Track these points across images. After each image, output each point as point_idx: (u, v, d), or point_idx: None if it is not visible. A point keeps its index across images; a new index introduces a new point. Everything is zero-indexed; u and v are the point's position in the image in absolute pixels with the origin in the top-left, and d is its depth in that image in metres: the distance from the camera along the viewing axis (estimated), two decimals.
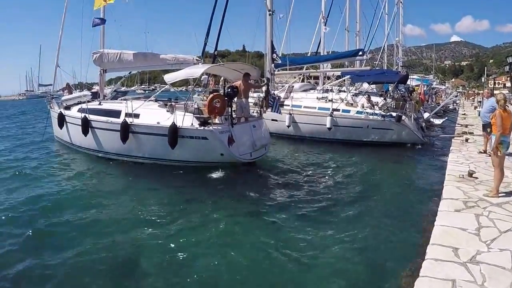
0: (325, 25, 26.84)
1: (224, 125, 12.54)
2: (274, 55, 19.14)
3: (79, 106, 17.18)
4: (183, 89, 28.57)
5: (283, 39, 26.72)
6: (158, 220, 8.53)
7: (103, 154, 15.34)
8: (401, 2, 38.24)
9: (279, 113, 16.34)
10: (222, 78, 24.95)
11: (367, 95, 19.10)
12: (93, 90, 21.19)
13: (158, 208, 9.40)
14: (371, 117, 17.37)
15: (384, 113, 17.41)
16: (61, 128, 17.87)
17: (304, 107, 19.29)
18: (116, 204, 9.78)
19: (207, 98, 12.75)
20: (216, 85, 22.41)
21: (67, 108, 18.14)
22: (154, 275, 6.07)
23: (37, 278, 6.12)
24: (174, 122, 12.20)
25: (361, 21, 31.99)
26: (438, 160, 14.30)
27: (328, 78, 26.90)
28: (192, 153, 12.72)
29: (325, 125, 17.63)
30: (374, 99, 18.88)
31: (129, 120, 13.50)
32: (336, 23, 31.73)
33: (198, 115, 12.73)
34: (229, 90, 12.90)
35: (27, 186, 11.59)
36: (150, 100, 15.08)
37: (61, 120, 17.60)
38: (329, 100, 18.69)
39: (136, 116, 13.56)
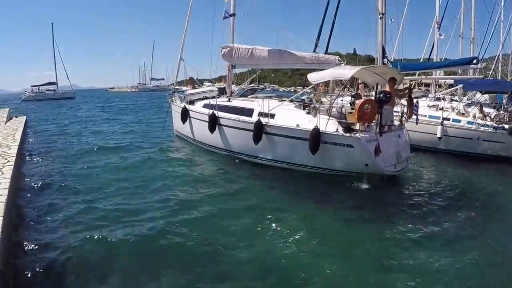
0: (438, 30, 26.32)
1: (370, 133, 11.79)
2: (385, 59, 19.15)
3: (204, 102, 17.11)
4: (291, 89, 29.04)
5: (395, 43, 26.47)
6: (296, 234, 8.09)
7: (230, 153, 14.97)
8: None
9: (416, 122, 14.76)
10: (332, 81, 25.66)
11: (479, 105, 18.59)
12: (219, 86, 21.25)
13: (295, 217, 9.04)
14: (482, 128, 16.75)
15: (496, 125, 16.84)
16: (183, 123, 17.78)
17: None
18: (244, 209, 9.55)
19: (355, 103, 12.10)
20: (326, 88, 23.01)
21: (191, 102, 18.17)
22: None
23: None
24: (317, 126, 11.58)
25: (475, 27, 30.69)
26: None
27: (440, 86, 26.31)
28: (334, 161, 12.01)
29: (435, 134, 17.22)
30: (486, 110, 18.35)
31: (263, 120, 13.05)
32: (449, 28, 30.82)
33: (341, 120, 12.07)
34: (381, 95, 11.97)
35: (148, 182, 11.92)
36: (284, 100, 14.63)
37: (185, 115, 17.51)
38: (440, 109, 18.38)
39: (272, 116, 13.12)
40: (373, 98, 12.43)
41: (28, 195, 10.63)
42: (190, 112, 17.44)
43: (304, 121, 12.34)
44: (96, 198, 10.39)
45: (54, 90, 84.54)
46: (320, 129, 11.57)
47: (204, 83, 44.58)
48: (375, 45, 17.49)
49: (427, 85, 28.42)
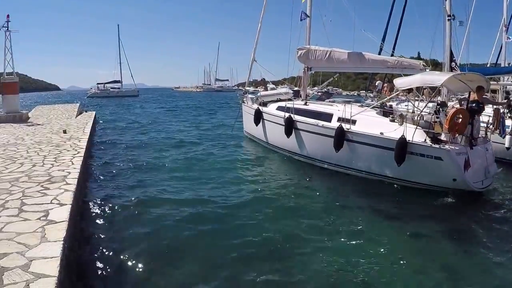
0: (506, 33, 24.84)
1: (459, 145, 10.97)
2: (453, 64, 18.31)
3: (278, 104, 16.77)
4: (355, 93, 28.22)
5: (461, 47, 25.26)
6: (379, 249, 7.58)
7: (306, 159, 14.49)
8: None
9: (503, 135, 13.68)
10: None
11: None
12: (295, 88, 20.48)
13: (376, 232, 8.43)
14: None
15: None
16: (256, 125, 17.36)
17: None
18: (319, 220, 9.15)
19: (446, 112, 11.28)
20: (390, 93, 22.37)
21: (263, 104, 17.87)
22: None
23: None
24: (403, 135, 10.92)
25: None
26: None
27: (508, 92, 24.83)
28: (419, 174, 11.26)
29: (503, 144, 16.30)
30: None
31: (345, 126, 12.54)
32: None
33: (427, 130, 11.36)
34: (473, 105, 11.21)
35: (221, 182, 12.07)
36: (363, 106, 14.08)
37: (258, 116, 17.10)
38: (509, 117, 17.35)
39: (353, 122, 12.60)
40: (464, 107, 11.49)
41: (95, 185, 11.34)
42: (263, 114, 17.03)
43: (388, 129, 11.75)
44: (163, 192, 10.95)
45: (119, 88, 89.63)
46: (407, 139, 10.90)
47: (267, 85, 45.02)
48: (441, 48, 16.73)
49: (494, 91, 26.93)
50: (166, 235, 7.97)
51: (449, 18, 15.45)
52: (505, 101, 12.49)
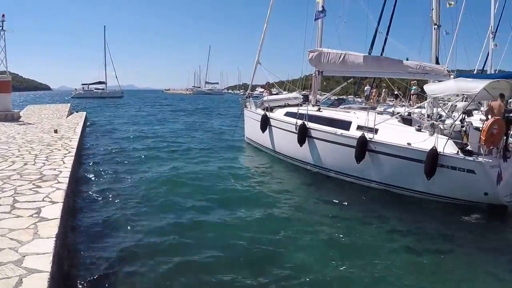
0: (493, 41, 25.26)
1: (493, 157, 10.30)
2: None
3: (286, 109, 15.89)
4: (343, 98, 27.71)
5: (448, 54, 25.41)
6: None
7: (321, 170, 13.45)
8: None
9: None
10: (384, 90, 25.14)
11: None
12: (302, 93, 19.55)
13: (406, 249, 7.97)
14: None
15: None
16: (262, 132, 16.26)
17: None
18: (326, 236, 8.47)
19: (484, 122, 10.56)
20: (378, 97, 22.60)
21: (269, 109, 16.82)
22: None
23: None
24: (435, 147, 10.26)
25: None
26: None
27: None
28: (450, 188, 10.51)
29: None
30: None
31: (367, 135, 11.70)
32: (505, 38, 29.43)
33: (456, 140, 10.71)
34: (511, 115, 10.68)
35: (222, 195, 11.02)
36: (383, 113, 13.50)
37: (265, 123, 15.99)
38: None
39: (375, 131, 11.77)
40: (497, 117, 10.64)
41: (85, 184, 11.43)
42: (271, 120, 15.88)
43: (415, 139, 10.99)
44: (153, 197, 10.72)
45: (103, 89, 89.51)
46: (438, 150, 10.27)
47: (256, 89, 44.74)
48: (428, 54, 16.79)
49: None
50: (153, 234, 8.08)
51: (435, 27, 15.68)
52: None
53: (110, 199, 10.23)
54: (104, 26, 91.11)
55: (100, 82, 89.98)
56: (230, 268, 6.79)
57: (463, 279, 6.97)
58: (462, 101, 14.88)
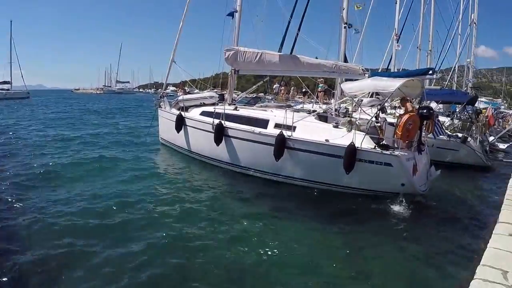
0: (397, 42, 27.16)
1: (408, 150, 10.97)
2: None
3: (202, 109, 15.68)
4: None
5: (355, 52, 26.58)
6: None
7: (239, 168, 13.52)
8: (475, 23, 37.53)
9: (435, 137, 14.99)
10: (292, 88, 25.80)
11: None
12: (221, 92, 19.34)
13: (328, 241, 8.43)
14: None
15: (450, 133, 17.53)
16: (177, 132, 16.00)
17: None
18: (254, 236, 8.45)
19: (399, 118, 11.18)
20: (287, 95, 23.10)
21: (185, 109, 16.43)
22: None
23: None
24: (353, 142, 10.61)
25: (433, 40, 31.95)
26: (498, 184, 14.04)
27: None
28: (368, 180, 11.04)
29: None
30: (441, 119, 18.87)
31: (285, 133, 11.86)
32: (408, 40, 31.83)
33: (372, 135, 11.09)
34: (424, 111, 11.37)
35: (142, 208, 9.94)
36: (299, 111, 13.68)
37: (180, 123, 15.75)
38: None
39: (293, 129, 11.96)
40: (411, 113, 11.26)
41: None
42: (186, 120, 15.67)
43: (333, 135, 11.31)
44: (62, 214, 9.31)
45: (7, 90, 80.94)
46: (356, 146, 10.61)
47: (168, 88, 43.66)
48: (336, 53, 16.90)
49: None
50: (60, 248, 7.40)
51: (345, 26, 16.28)
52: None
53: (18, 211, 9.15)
54: (11, 21, 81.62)
55: (4, 82, 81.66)
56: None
57: (373, 257, 7.73)
58: (367, 97, 15.68)
